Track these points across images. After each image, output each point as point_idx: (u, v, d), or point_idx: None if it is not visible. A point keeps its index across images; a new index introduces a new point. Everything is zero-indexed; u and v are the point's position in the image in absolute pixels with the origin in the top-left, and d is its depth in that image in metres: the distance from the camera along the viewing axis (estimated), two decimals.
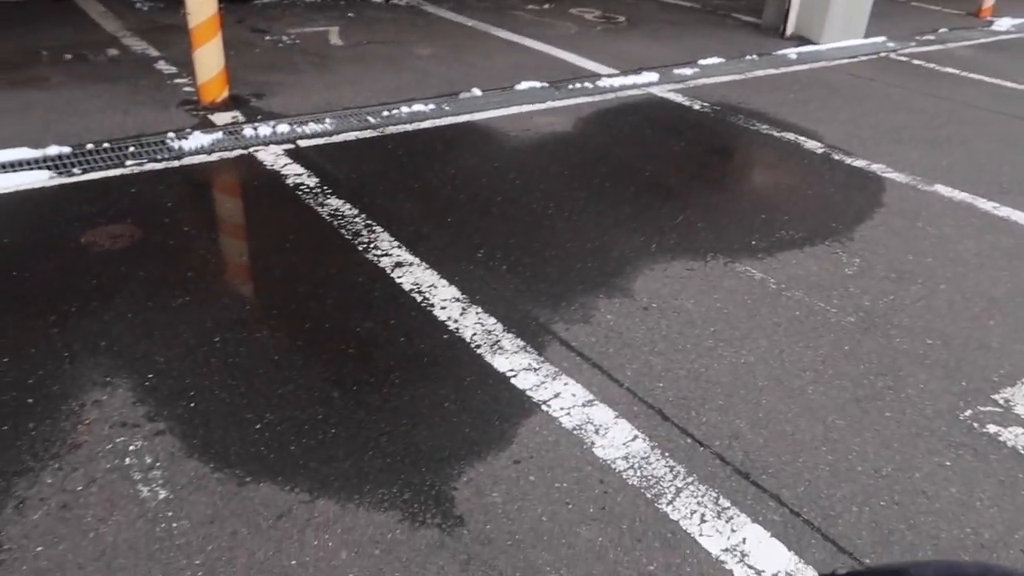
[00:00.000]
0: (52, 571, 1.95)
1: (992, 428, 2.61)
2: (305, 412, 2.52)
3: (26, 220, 3.63)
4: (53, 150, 4.32)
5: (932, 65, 7.35)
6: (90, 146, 4.43)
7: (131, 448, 2.34)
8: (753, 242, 3.77)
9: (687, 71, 6.64)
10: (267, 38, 6.92)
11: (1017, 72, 7.20)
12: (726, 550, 2.11)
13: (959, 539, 2.19)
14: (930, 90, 6.51)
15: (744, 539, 2.15)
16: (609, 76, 6.35)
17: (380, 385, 2.66)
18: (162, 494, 2.19)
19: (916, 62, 7.45)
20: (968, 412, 2.69)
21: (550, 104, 5.62)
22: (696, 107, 5.74)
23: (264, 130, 4.76)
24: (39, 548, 2.01)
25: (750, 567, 2.06)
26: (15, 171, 4.06)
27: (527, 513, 2.19)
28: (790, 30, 8.00)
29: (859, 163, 4.83)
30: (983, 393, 2.78)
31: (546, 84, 6.06)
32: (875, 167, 4.78)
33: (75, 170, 4.14)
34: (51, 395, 2.54)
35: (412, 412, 2.55)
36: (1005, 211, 4.25)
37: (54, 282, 3.14)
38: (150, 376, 2.64)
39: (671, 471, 2.37)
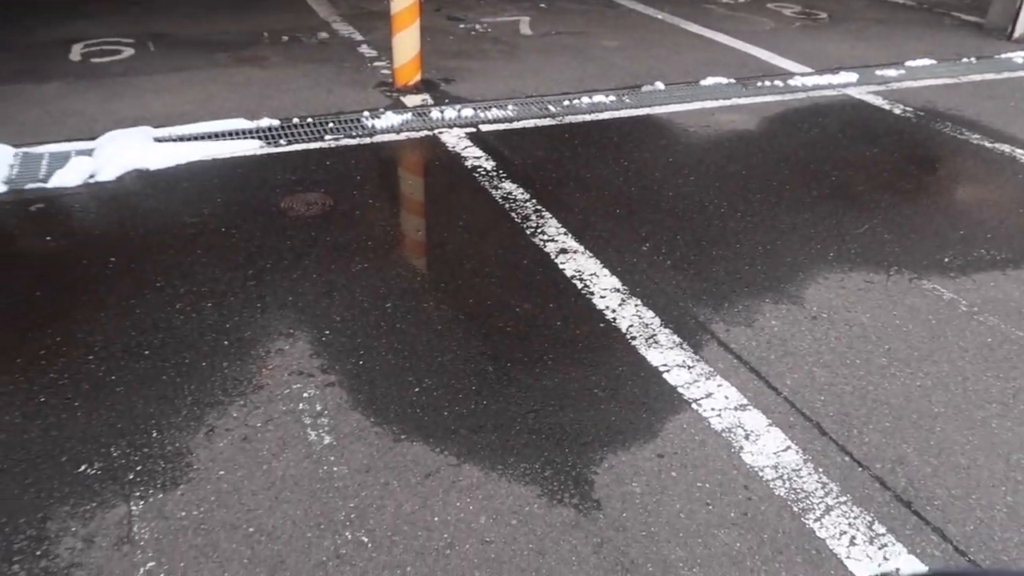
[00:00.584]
0: (230, 493, 2.18)
1: None
2: (460, 382, 2.64)
3: (237, 183, 4.04)
4: (265, 122, 4.78)
5: None
6: (296, 120, 4.85)
7: (304, 395, 2.57)
8: (946, 259, 3.48)
9: (891, 72, 6.18)
10: (461, 26, 7.21)
11: None
12: None
13: None
14: None
15: (897, 569, 2.01)
16: (802, 75, 6.05)
17: (533, 365, 2.73)
18: (327, 439, 2.38)
19: None
20: None
21: (735, 101, 5.45)
22: (897, 111, 5.34)
23: (449, 113, 4.98)
24: (221, 472, 2.26)
25: None
26: (232, 139, 4.54)
27: (665, 507, 2.18)
28: (1019, 32, 7.21)
29: None
30: None
31: (733, 81, 5.88)
32: None
33: (281, 141, 4.55)
34: (243, 339, 2.83)
35: (561, 394, 2.60)
36: None
37: (255, 239, 3.49)
38: (327, 332, 2.88)
39: (823, 487, 2.25)
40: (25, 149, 4.31)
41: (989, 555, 2.05)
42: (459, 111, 5.02)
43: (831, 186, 4.16)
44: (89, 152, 4.24)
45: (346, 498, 2.18)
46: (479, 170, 4.24)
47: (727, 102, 5.43)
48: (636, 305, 3.10)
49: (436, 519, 2.12)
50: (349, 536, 2.06)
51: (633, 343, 2.87)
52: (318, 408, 2.51)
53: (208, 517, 2.11)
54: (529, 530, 2.10)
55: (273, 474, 2.25)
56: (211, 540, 2.04)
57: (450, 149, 4.51)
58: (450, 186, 4.09)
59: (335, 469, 2.28)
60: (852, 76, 6.05)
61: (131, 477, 2.23)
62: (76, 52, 6.08)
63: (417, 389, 2.60)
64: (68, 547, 2.01)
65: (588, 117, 5.08)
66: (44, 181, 3.97)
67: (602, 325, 2.97)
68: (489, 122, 4.92)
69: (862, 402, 2.59)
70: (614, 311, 3.05)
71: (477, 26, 7.23)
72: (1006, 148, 4.75)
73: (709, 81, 5.83)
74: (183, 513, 2.12)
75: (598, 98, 5.37)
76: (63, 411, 2.46)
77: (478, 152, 4.47)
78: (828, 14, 8.04)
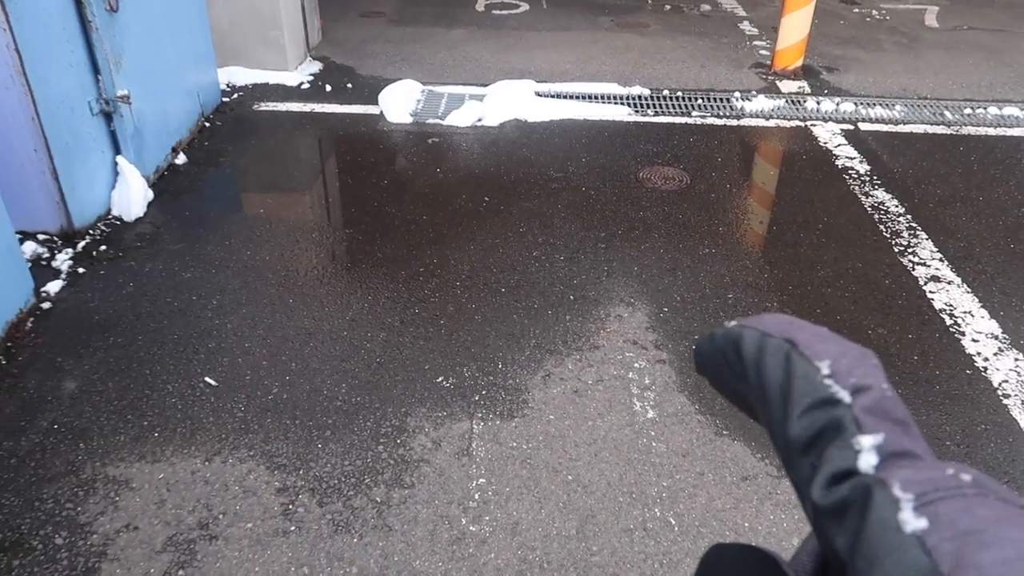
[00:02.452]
0: (556, 438, 2.35)
1: None
2: None
3: (602, 146, 4.22)
4: (636, 90, 4.90)
5: None
6: (666, 92, 4.90)
7: (635, 365, 2.65)
8: None
9: None
10: (856, 10, 6.67)
11: None
12: None
13: None
14: None
15: None
16: None
17: None
18: (650, 414, 2.45)
19: None
20: None
21: None
22: None
23: (827, 105, 4.67)
24: (551, 416, 2.43)
25: None
26: (604, 103, 4.73)
27: None
28: None
29: None
30: None
31: None
32: None
33: (649, 111, 4.64)
34: (587, 298, 2.99)
35: None
36: None
37: (612, 204, 3.63)
38: (665, 309, 2.92)
39: None
40: (430, 87, 4.92)
41: None
42: (838, 104, 4.69)
43: None
44: (480, 97, 4.71)
45: (660, 475, 2.23)
46: (850, 172, 3.94)
47: None
48: (1016, 359, 2.69)
49: (746, 524, 2.08)
50: (658, 513, 2.12)
51: (1005, 401, 2.51)
52: (646, 381, 2.58)
53: (534, 454, 2.29)
54: None
55: (596, 432, 2.38)
56: (534, 475, 2.22)
57: (821, 144, 4.25)
58: (815, 183, 3.87)
59: (654, 444, 2.33)
60: None
61: (476, 398, 2.50)
62: (481, 3, 6.73)
63: None
64: (421, 444, 2.32)
65: (992, 131, 4.44)
66: (441, 118, 4.50)
67: (969, 372, 2.63)
68: (870, 120, 4.53)
69: None
70: (987, 359, 2.69)
71: (874, 12, 6.63)
72: None
73: None
74: (514, 443, 2.33)
75: (1009, 110, 4.66)
76: (431, 325, 2.82)
77: (852, 152, 4.15)
78: None
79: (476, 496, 2.16)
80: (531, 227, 3.44)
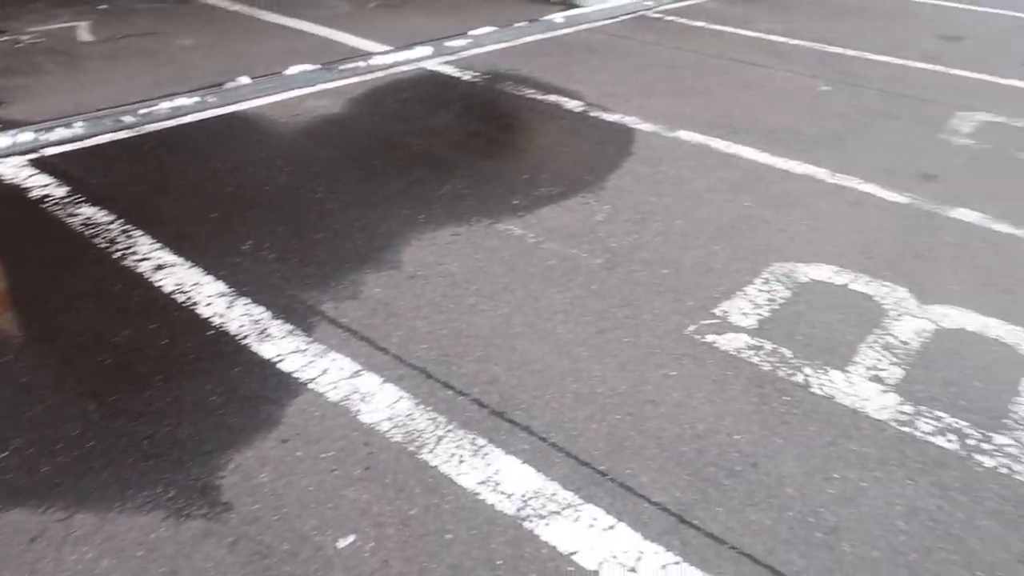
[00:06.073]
0: None
1: (711, 337, 3.01)
2: (58, 430, 2.45)
3: None
4: None
5: (684, 20, 7.98)
6: None
7: None
8: (515, 202, 4.02)
9: (459, 43, 6.80)
10: (3, 38, 6.35)
11: (754, 20, 7.99)
12: (481, 483, 2.32)
13: (678, 435, 2.53)
14: (679, 44, 7.10)
15: (498, 471, 2.36)
16: (382, 53, 6.40)
17: (141, 391, 2.63)
18: None
19: (669, 18, 8.06)
20: (692, 327, 3.07)
21: (321, 87, 5.60)
22: (466, 78, 5.93)
23: (3, 141, 4.41)
24: None
25: (502, 492, 2.28)
26: None
27: (294, 487, 2.28)
28: None
29: (613, 118, 5.22)
30: (705, 309, 3.18)
31: (317, 66, 6.01)
32: (627, 120, 5.19)
33: None
34: None
35: (176, 412, 2.55)
36: (735, 148, 4.78)
37: None
38: None
39: (433, 422, 2.54)
40: None
41: (563, 434, 2.50)
42: (14, 137, 4.47)
43: (415, 155, 4.53)
44: None
45: None
46: (48, 199, 3.85)
47: (314, 88, 5.56)
48: (245, 304, 3.12)
49: None
50: None
51: (244, 342, 2.89)
52: None
53: None
54: (158, 555, 2.06)
55: None
56: None
57: (8, 181, 4.02)
58: (13, 222, 3.66)
59: None
60: (427, 50, 6.55)
61: None
62: None
63: (6, 453, 2.36)
64: None
65: (170, 123, 4.85)
66: None
67: (210, 332, 2.94)
68: (54, 144, 4.46)
69: (457, 340, 2.94)
70: (222, 315, 3.04)
71: (24, 37, 6.42)
72: (554, 98, 5.55)
73: (294, 70, 5.90)
74: None
75: (179, 101, 5.15)
76: None
77: (45, 179, 4.05)
78: None
79: None
80: None
